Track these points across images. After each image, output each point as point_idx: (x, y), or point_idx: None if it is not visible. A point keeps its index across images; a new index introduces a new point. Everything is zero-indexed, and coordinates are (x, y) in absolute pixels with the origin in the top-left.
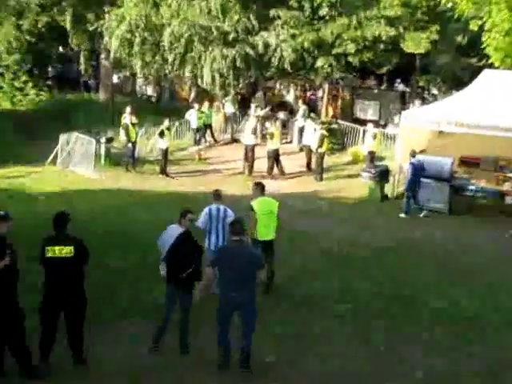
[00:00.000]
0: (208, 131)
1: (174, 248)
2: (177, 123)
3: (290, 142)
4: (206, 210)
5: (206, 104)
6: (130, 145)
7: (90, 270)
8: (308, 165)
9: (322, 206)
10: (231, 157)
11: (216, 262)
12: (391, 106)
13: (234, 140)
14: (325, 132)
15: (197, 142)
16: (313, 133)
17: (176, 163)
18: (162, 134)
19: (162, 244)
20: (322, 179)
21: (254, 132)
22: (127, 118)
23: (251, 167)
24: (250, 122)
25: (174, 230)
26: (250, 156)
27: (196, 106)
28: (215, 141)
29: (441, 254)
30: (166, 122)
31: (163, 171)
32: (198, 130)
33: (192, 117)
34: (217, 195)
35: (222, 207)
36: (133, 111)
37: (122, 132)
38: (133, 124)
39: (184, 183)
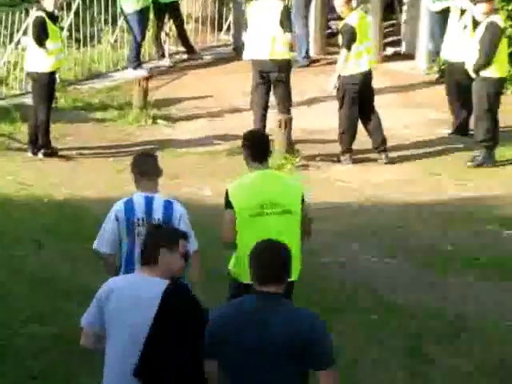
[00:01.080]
0: (169, 24)
1: (156, 335)
2: (79, 2)
3: (407, 54)
4: (119, 206)
5: None
6: None
7: None
8: (461, 121)
9: None
10: (234, 99)
11: (212, 347)
12: None
13: (237, 50)
14: (501, 23)
15: (135, 57)
16: (469, 28)
17: (78, 118)
18: (38, 35)
19: (105, 324)
20: (493, 162)
21: (288, 27)
22: None
23: (287, 126)
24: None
25: (147, 287)
26: (281, 97)
27: None
28: (190, 52)
29: None
30: (49, 2)
31: (39, 140)
32: (139, 20)
33: None
34: (145, 165)
35: (158, 197)
36: None
37: None
38: None
39: (100, 175)
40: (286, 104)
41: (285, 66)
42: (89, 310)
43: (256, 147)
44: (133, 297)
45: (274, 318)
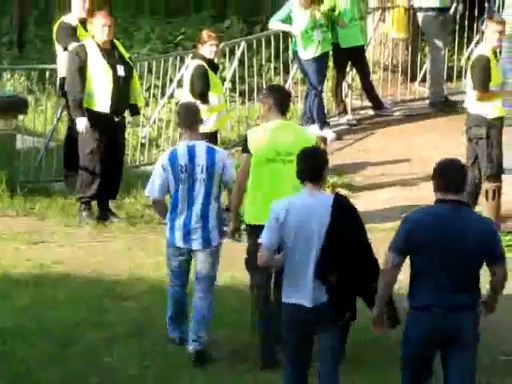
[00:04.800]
0: (352, 74)
1: (332, 235)
2: (244, 47)
3: None
4: (165, 156)
5: None
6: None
7: None
8: None
9: None
10: (432, 163)
11: (405, 242)
12: None
13: (435, 104)
14: None
15: (319, 113)
16: None
17: None
18: (197, 88)
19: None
20: None
21: None
22: None
23: (495, 197)
24: None
25: (319, 200)
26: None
27: None
28: (377, 107)
29: None
30: (208, 48)
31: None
32: (317, 68)
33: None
34: (186, 116)
35: (200, 144)
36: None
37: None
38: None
39: None
40: None
41: None
42: (266, 230)
43: (283, 100)
44: (309, 210)
45: (462, 220)
